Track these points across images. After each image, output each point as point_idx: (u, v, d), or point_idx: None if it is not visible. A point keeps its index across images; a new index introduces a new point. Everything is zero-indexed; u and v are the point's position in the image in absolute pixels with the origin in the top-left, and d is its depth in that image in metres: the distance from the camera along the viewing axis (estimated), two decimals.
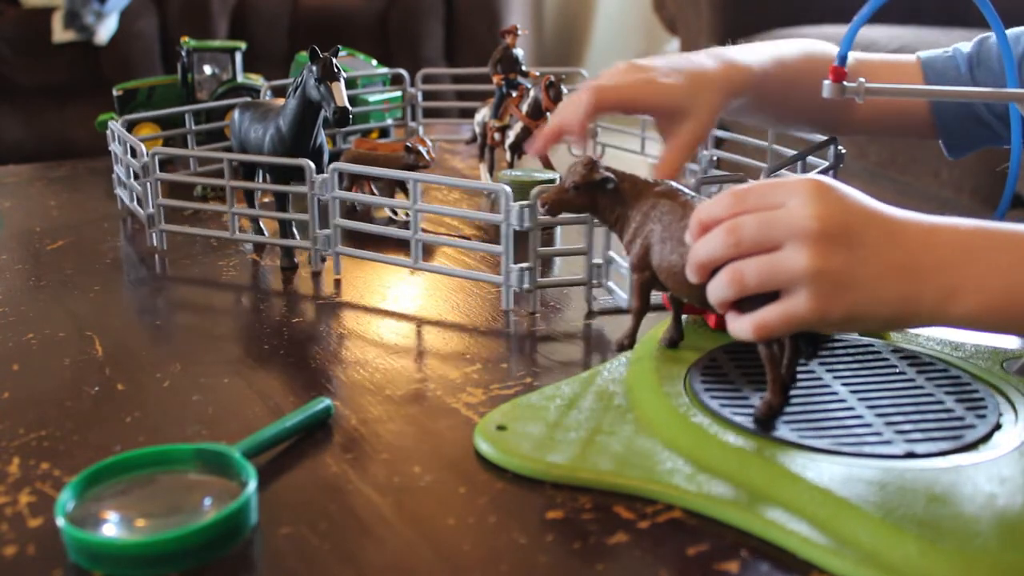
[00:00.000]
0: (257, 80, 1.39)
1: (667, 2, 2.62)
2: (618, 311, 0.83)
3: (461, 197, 1.21)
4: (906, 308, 0.55)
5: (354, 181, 1.07)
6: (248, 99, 1.11)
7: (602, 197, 0.68)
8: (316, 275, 0.94)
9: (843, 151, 0.97)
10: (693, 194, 0.66)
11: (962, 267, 0.54)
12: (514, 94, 1.16)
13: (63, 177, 1.36)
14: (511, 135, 1.15)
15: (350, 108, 0.87)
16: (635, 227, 0.67)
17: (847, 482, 0.53)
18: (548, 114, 1.10)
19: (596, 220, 0.74)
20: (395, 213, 1.09)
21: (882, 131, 1.02)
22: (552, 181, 1.05)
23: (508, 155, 1.17)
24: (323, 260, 0.94)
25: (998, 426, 0.59)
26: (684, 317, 0.71)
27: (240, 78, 1.37)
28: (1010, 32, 0.89)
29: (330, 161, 0.94)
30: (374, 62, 1.40)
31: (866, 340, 0.71)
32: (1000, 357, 0.69)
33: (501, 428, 0.61)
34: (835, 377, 0.65)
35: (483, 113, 1.21)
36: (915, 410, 0.61)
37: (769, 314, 0.56)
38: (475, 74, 1.36)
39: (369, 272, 0.95)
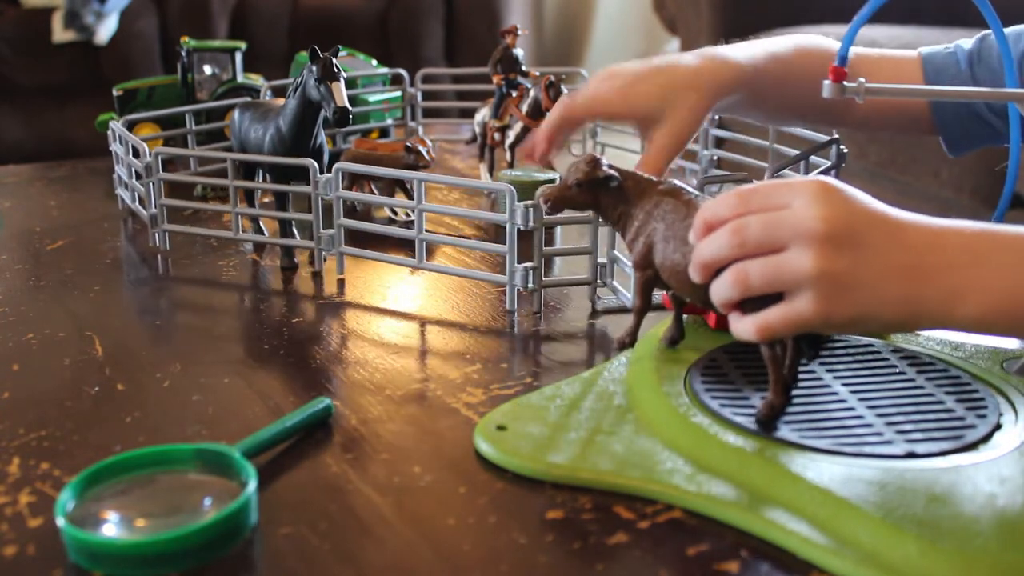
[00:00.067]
0: (257, 80, 1.39)
1: (667, 2, 2.62)
2: (622, 311, 0.83)
3: (461, 197, 1.21)
4: (910, 310, 0.55)
5: (354, 181, 1.07)
6: (248, 99, 1.11)
7: (605, 195, 0.68)
8: (316, 275, 0.94)
9: (845, 151, 0.97)
10: (697, 193, 0.66)
11: (966, 269, 0.54)
12: (514, 94, 1.16)
13: (63, 177, 1.36)
14: (511, 135, 1.15)
15: (350, 108, 0.87)
16: (638, 225, 0.67)
17: (847, 482, 0.53)
18: (548, 114, 1.10)
19: (600, 218, 0.74)
20: (395, 213, 1.09)
21: (881, 127, 1.01)
22: (552, 181, 1.05)
23: (508, 155, 1.17)
24: (324, 260, 0.94)
25: (998, 426, 0.59)
26: (684, 316, 0.71)
27: (240, 78, 1.37)
28: (1010, 31, 0.89)
29: (330, 161, 0.95)
30: (374, 62, 1.40)
31: (866, 340, 0.71)
32: (1000, 357, 0.69)
33: (501, 428, 0.61)
34: (835, 377, 0.65)
35: (483, 113, 1.21)
36: (915, 410, 0.61)
37: (772, 315, 0.55)
38: (475, 74, 1.36)
39: (369, 272, 0.95)
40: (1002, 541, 0.49)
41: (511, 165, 1.18)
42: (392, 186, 1.06)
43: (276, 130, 0.93)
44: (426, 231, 0.88)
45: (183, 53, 1.35)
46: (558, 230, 1.04)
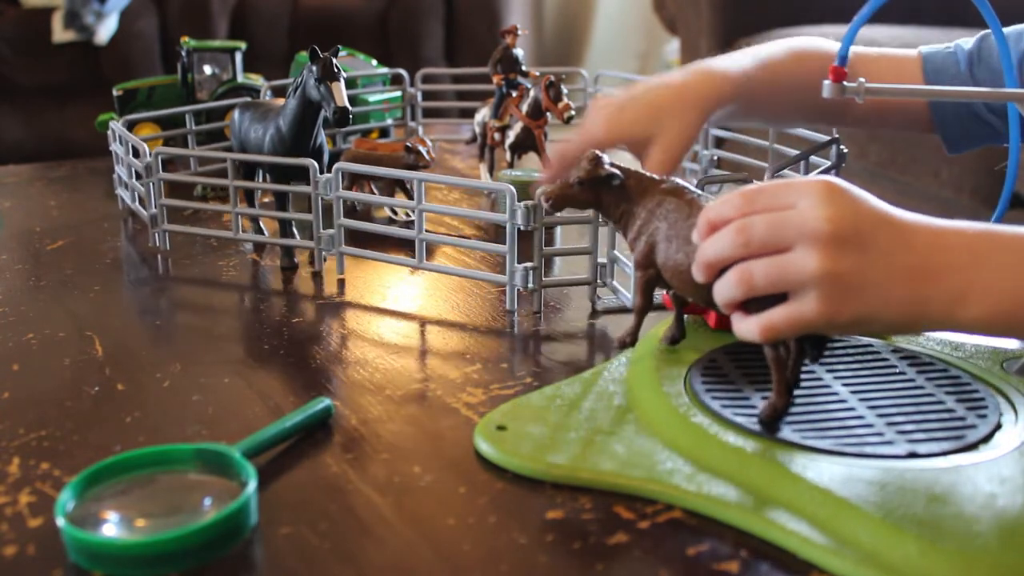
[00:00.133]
0: (257, 80, 1.39)
1: (667, 2, 2.62)
2: (622, 310, 0.83)
3: (460, 197, 1.21)
4: (914, 311, 0.55)
5: (354, 181, 1.07)
6: (248, 99, 1.11)
7: (607, 193, 0.68)
8: (316, 275, 0.94)
9: (845, 151, 0.97)
10: (699, 192, 0.66)
11: (970, 270, 0.54)
12: (514, 94, 1.16)
13: (63, 177, 1.36)
14: (511, 135, 1.15)
15: (350, 108, 0.87)
16: (640, 224, 0.67)
17: (847, 482, 0.53)
18: (548, 114, 1.10)
19: (601, 217, 0.74)
20: (395, 213, 1.09)
21: (880, 126, 1.01)
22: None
23: (508, 155, 1.17)
24: (324, 260, 0.94)
25: (999, 426, 0.59)
26: (685, 316, 0.71)
27: (240, 78, 1.37)
28: (1010, 30, 0.89)
29: (330, 161, 0.95)
30: (374, 62, 1.40)
31: (866, 340, 0.71)
32: (1000, 357, 0.69)
33: (501, 428, 0.61)
34: (836, 378, 0.65)
35: (483, 113, 1.21)
36: (916, 410, 0.61)
37: (776, 316, 0.55)
38: (475, 74, 1.36)
39: (369, 272, 0.95)
40: (1002, 541, 0.49)
41: (511, 165, 1.18)
42: (392, 186, 1.06)
43: (276, 130, 0.93)
44: (426, 231, 0.88)
45: (183, 53, 1.35)
46: (558, 230, 1.04)
